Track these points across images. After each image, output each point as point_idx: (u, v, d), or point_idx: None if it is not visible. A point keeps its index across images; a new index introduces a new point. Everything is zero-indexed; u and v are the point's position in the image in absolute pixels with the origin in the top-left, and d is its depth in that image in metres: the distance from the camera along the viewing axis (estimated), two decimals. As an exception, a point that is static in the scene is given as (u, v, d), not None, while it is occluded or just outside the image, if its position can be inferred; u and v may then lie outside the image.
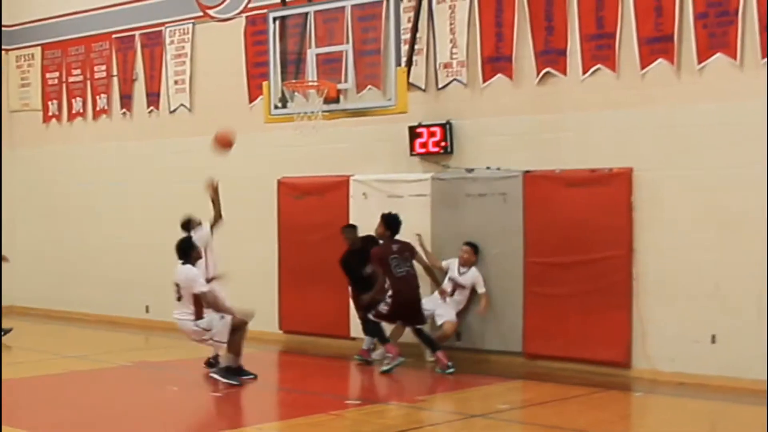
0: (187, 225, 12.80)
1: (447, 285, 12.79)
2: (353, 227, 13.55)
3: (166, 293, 16.17)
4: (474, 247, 12.77)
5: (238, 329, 11.64)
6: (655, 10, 11.61)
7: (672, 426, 9.86)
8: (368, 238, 13.04)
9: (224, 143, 12.54)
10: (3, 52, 19.47)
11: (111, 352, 14.81)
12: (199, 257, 11.88)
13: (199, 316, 11.60)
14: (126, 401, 11.19)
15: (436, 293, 12.76)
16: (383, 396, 11.33)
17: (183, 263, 11.73)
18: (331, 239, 13.60)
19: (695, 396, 10.91)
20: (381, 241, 12.69)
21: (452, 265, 12.88)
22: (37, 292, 18.93)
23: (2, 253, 15.61)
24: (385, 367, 12.27)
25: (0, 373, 10.88)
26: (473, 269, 12.74)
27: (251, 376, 11.79)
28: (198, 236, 12.37)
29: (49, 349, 14.98)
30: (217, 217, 12.79)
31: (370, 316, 12.53)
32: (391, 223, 12.68)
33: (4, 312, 18.72)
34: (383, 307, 12.37)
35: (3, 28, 19.41)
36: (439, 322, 12.80)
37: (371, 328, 12.73)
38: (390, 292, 12.31)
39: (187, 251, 11.78)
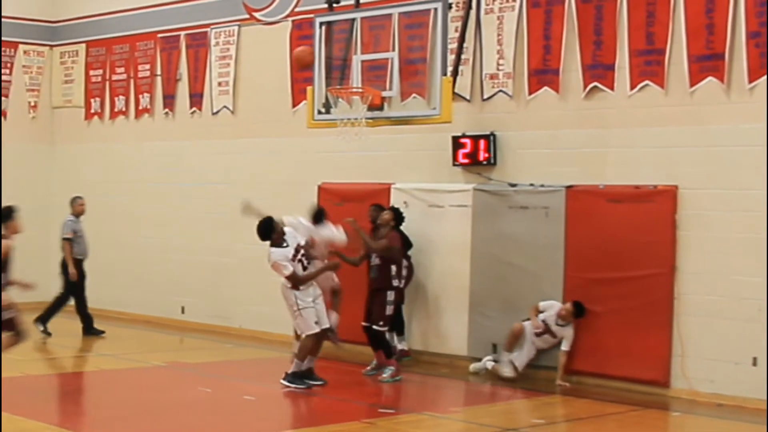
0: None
1: (537, 323, 12.56)
2: (380, 207, 13.57)
3: (202, 294, 16.48)
4: (579, 309, 12.39)
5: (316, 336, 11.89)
6: (707, 28, 11.63)
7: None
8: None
9: (303, 62, 12.61)
10: (47, 48, 19.75)
11: (145, 352, 14.94)
12: (281, 234, 11.85)
13: (294, 286, 11.79)
14: (156, 401, 11.32)
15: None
16: (417, 406, 11.36)
17: (270, 245, 11.87)
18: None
19: (733, 418, 10.89)
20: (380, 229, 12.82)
21: (550, 310, 12.52)
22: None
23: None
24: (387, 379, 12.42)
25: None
26: (571, 327, 12.43)
27: (320, 383, 11.92)
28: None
29: (83, 347, 15.16)
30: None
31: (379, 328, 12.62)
32: (399, 216, 12.91)
33: (40, 307, 18.97)
34: (390, 309, 12.56)
35: (48, 24, 19.70)
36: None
37: (381, 339, 12.76)
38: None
39: (267, 232, 11.85)
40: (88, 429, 9.50)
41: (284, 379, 11.87)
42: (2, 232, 11.40)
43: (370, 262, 12.81)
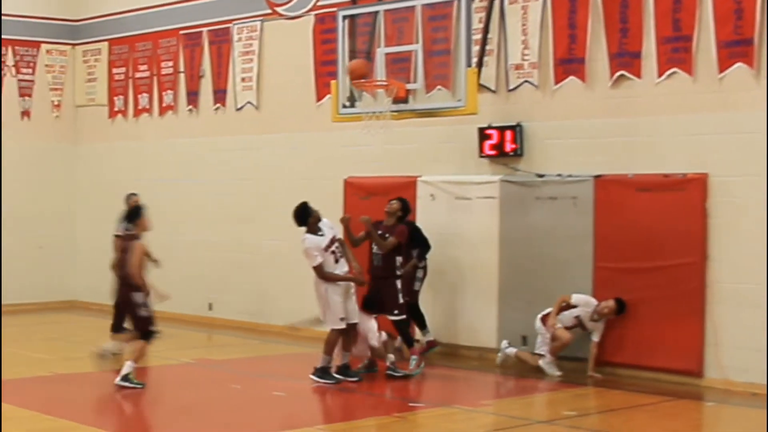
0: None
1: (567, 320, 12.47)
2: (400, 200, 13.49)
3: (229, 291, 16.54)
4: (621, 307, 12.28)
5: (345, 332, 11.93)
6: (735, 13, 11.57)
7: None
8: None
9: (357, 73, 12.63)
10: (70, 47, 19.85)
11: (173, 349, 14.99)
12: (317, 220, 11.86)
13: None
14: (186, 399, 11.38)
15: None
16: (447, 399, 11.36)
17: (306, 231, 11.88)
18: None
19: (768, 408, 10.89)
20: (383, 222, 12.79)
21: (585, 307, 12.42)
22: (101, 287, 19.18)
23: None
24: (416, 371, 12.40)
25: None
26: (603, 321, 12.39)
27: (354, 378, 11.90)
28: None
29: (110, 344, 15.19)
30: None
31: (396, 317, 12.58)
32: (407, 206, 12.89)
33: (67, 306, 19.16)
34: (401, 297, 12.54)
35: (70, 23, 19.79)
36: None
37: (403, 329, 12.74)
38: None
39: (303, 216, 11.88)
40: (118, 427, 9.53)
41: (313, 374, 11.88)
42: (133, 231, 11.90)
43: (372, 250, 12.66)
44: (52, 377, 12.36)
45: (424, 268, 13.52)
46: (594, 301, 12.42)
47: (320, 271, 11.74)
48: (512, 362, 12.88)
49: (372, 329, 12.32)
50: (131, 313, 11.94)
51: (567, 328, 12.44)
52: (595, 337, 12.40)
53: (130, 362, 11.51)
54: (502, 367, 12.91)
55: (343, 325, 11.81)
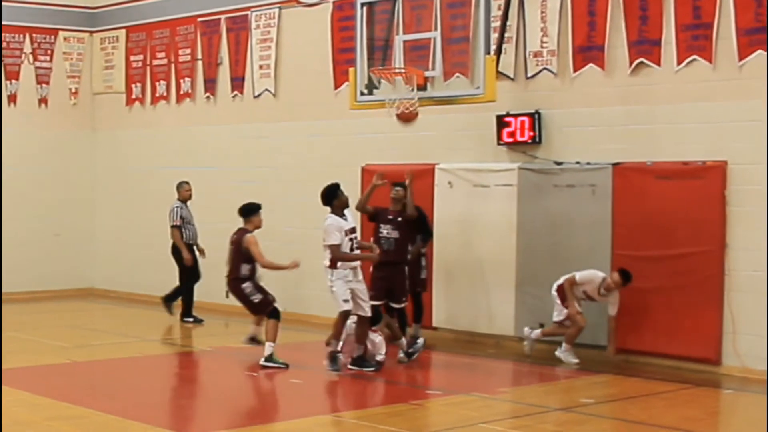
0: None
1: (577, 295, 12.58)
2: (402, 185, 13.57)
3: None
4: (626, 277, 12.29)
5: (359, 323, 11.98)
6: (756, 0, 11.62)
7: (761, 424, 9.81)
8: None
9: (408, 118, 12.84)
10: (87, 34, 19.97)
11: (191, 336, 15.16)
12: (343, 206, 11.88)
13: (332, 265, 11.81)
14: (204, 386, 11.51)
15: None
16: (465, 387, 11.39)
17: (331, 212, 11.94)
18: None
19: (786, 395, 10.93)
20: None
21: (590, 284, 12.49)
22: (118, 275, 19.40)
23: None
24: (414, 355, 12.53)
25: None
26: (616, 293, 12.42)
27: (371, 368, 11.91)
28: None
29: (128, 332, 15.34)
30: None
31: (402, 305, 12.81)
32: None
33: (84, 294, 19.33)
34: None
35: (88, 11, 19.91)
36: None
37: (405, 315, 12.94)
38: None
39: (330, 197, 11.92)
40: (134, 413, 9.61)
41: (350, 364, 11.97)
42: (246, 226, 12.47)
43: (379, 234, 12.74)
44: (70, 365, 12.47)
45: (425, 255, 13.67)
46: (600, 276, 12.44)
47: (335, 251, 11.71)
48: (537, 346, 12.90)
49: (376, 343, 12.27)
50: (245, 303, 12.56)
51: (578, 303, 12.50)
52: (612, 311, 12.45)
53: (270, 343, 12.09)
54: (531, 357, 12.90)
55: (347, 307, 11.75)
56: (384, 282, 12.64)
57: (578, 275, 12.50)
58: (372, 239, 12.79)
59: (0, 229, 18.29)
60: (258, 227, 12.64)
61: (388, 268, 12.61)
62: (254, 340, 12.90)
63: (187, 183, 16.07)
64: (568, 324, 12.59)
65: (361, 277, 11.99)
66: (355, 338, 12.02)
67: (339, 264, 11.73)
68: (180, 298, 16.13)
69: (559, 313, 12.69)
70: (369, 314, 11.94)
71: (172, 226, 15.87)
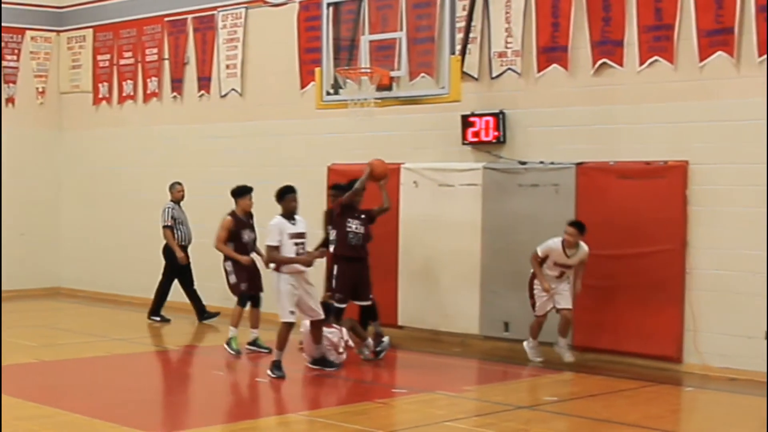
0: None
1: (551, 271, 12.32)
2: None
3: (212, 278, 16.50)
4: (580, 228, 12.13)
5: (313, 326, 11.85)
6: (716, 2, 11.68)
7: (722, 421, 9.97)
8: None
9: (379, 174, 12.71)
10: (54, 34, 19.85)
11: (157, 335, 15.09)
12: (289, 210, 11.51)
13: (277, 268, 11.47)
14: (168, 385, 11.45)
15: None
16: (430, 385, 11.38)
17: (281, 213, 11.65)
18: (380, 226, 13.69)
19: (746, 392, 11.00)
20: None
21: (554, 252, 12.23)
22: (85, 274, 19.29)
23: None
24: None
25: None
26: (582, 245, 12.18)
27: (333, 368, 11.84)
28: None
29: (94, 331, 15.27)
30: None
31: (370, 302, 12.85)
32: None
33: (52, 293, 19.21)
34: None
35: (55, 10, 19.80)
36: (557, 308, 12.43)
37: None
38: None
39: (279, 199, 11.60)
40: (102, 413, 9.57)
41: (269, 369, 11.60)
42: (234, 208, 12.93)
43: (348, 227, 12.52)
44: (38, 364, 12.39)
45: None
46: (557, 240, 12.22)
47: (270, 252, 11.38)
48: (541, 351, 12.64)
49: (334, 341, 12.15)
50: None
51: (557, 278, 12.29)
52: (578, 286, 12.34)
53: (232, 328, 12.84)
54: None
55: (292, 319, 11.38)
56: (350, 279, 12.55)
57: (539, 248, 12.31)
58: (335, 234, 12.63)
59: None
60: (246, 210, 13.04)
61: (354, 263, 12.57)
62: (254, 344, 12.91)
63: (179, 184, 15.93)
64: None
65: (308, 280, 11.57)
66: (313, 339, 11.90)
67: (283, 268, 11.39)
68: (164, 302, 15.98)
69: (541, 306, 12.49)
70: (321, 316, 11.68)
71: (164, 227, 15.74)
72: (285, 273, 11.38)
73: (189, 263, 15.86)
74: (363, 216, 12.68)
